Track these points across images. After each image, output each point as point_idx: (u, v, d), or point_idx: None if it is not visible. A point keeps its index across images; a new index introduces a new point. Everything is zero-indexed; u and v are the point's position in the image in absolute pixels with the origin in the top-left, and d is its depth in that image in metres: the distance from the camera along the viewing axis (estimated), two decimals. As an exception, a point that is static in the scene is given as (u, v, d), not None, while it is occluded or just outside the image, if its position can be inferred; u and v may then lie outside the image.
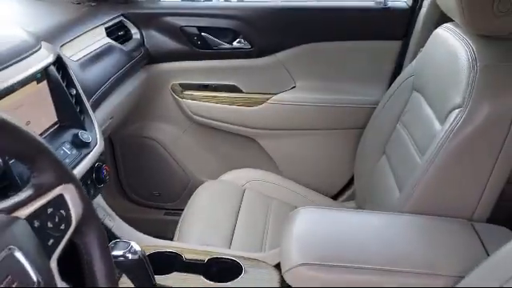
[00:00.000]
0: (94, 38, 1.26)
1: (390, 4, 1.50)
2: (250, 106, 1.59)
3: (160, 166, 1.73)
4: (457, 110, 0.91)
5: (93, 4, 1.43)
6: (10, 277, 0.45)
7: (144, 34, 1.53)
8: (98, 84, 1.18)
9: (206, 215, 1.30)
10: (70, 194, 0.56)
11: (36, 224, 0.52)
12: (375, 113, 1.39)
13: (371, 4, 1.51)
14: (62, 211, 0.55)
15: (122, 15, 1.48)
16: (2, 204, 0.50)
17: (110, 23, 1.39)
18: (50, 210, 0.54)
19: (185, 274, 0.94)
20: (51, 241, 0.53)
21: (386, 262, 0.77)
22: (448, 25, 1.14)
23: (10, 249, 0.46)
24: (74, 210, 0.57)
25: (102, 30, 1.32)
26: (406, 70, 1.29)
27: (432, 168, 0.92)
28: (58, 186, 0.55)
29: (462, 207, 0.93)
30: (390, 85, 1.38)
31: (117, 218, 1.34)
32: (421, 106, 1.12)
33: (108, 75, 1.24)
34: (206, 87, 1.61)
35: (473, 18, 0.94)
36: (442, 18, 1.20)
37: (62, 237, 0.55)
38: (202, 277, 0.93)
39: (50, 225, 0.53)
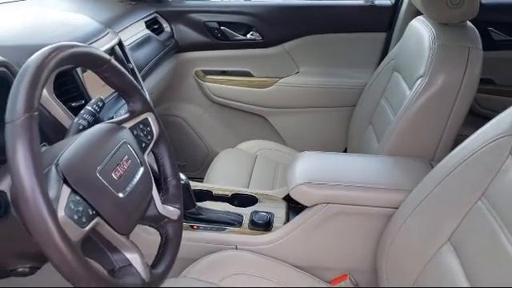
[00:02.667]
0: (137, 29, 1.56)
1: (377, 2, 1.79)
2: (260, 88, 1.88)
3: (184, 140, 2.02)
4: (420, 79, 1.20)
5: (133, 3, 1.74)
6: (126, 156, 0.75)
7: (173, 28, 1.83)
8: (142, 64, 1.47)
9: (226, 173, 1.59)
10: (151, 119, 0.86)
11: (134, 132, 0.81)
12: (364, 92, 1.66)
13: (361, 2, 1.80)
14: (148, 128, 0.85)
15: (156, 12, 1.78)
16: (114, 119, 0.80)
17: (147, 18, 1.69)
18: (141, 126, 0.83)
19: (215, 202, 1.23)
20: (143, 144, 0.83)
21: (363, 181, 1.06)
22: (420, 17, 1.42)
23: (124, 142, 0.76)
24: (154, 129, 0.86)
25: (142, 23, 1.62)
26: (388, 56, 1.56)
27: (402, 121, 1.20)
28: (144, 112, 0.85)
29: (425, 151, 1.21)
30: (376, 68, 1.64)
31: None
32: (398, 82, 1.39)
33: (149, 58, 1.54)
34: (224, 72, 1.90)
35: (432, 9, 1.24)
36: (418, 13, 1.49)
37: (149, 144, 0.85)
38: (227, 203, 1.22)
39: (142, 135, 0.83)
